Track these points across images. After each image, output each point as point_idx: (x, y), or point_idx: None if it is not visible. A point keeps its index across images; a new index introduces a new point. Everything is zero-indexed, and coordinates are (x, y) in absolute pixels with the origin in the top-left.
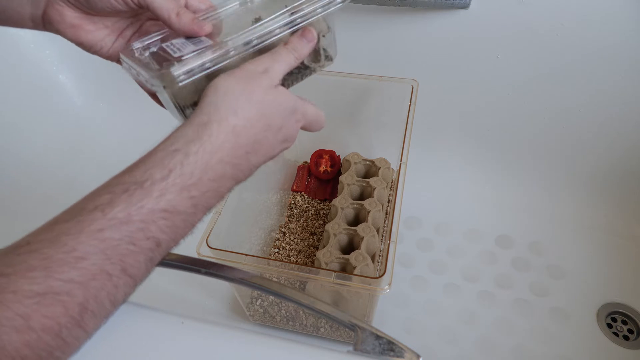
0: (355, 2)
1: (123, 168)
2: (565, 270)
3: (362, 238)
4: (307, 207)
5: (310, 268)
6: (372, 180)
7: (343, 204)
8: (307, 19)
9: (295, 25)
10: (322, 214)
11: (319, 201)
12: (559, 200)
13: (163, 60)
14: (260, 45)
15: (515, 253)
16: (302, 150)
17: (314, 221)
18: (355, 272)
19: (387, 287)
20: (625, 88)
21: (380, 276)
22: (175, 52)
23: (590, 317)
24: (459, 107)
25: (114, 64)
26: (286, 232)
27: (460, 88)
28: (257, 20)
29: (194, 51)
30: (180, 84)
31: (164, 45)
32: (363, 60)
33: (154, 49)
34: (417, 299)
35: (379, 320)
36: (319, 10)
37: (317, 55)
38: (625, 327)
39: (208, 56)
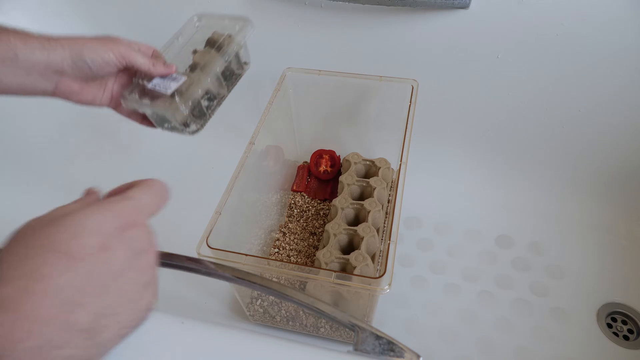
0: (355, 2)
1: (122, 168)
2: (565, 270)
3: (362, 238)
4: (307, 207)
5: (310, 268)
6: (372, 180)
7: (343, 204)
8: (227, 45)
9: (221, 49)
10: (322, 214)
11: (319, 201)
12: (558, 200)
13: (156, 97)
14: (216, 70)
15: (515, 253)
16: (302, 150)
17: (314, 221)
18: (355, 272)
19: (387, 287)
20: (626, 88)
21: (380, 276)
22: (166, 90)
23: (590, 317)
24: (459, 107)
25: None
26: (286, 232)
27: (460, 88)
28: (195, 52)
29: (177, 87)
30: (185, 112)
31: (149, 86)
32: (363, 60)
33: (144, 89)
34: (417, 299)
35: (379, 320)
36: (231, 42)
37: (240, 64)
38: (625, 327)
39: (193, 89)
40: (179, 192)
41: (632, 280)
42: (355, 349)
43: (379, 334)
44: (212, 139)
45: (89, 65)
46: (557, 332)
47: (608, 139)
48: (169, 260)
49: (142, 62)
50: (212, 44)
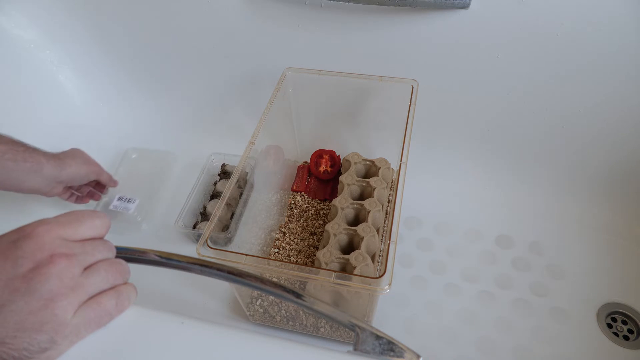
0: (355, 2)
1: (123, 167)
2: (565, 270)
3: (362, 238)
4: (307, 207)
5: (310, 268)
6: (372, 180)
7: (343, 204)
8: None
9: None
10: (322, 214)
11: (319, 201)
12: (559, 200)
13: (117, 214)
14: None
15: (515, 253)
16: (302, 150)
17: (314, 221)
18: (355, 272)
19: (387, 287)
20: (626, 88)
21: (380, 276)
22: (127, 210)
23: (590, 317)
24: (458, 107)
25: (115, 65)
26: (286, 232)
27: (460, 88)
28: (215, 182)
29: (138, 208)
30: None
31: (111, 207)
32: (363, 60)
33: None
34: (417, 299)
35: (379, 320)
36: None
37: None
38: (625, 327)
39: (233, 223)
40: (180, 192)
41: (632, 280)
42: (355, 349)
43: (379, 334)
44: (213, 138)
45: (80, 180)
46: (557, 332)
47: (608, 139)
48: (169, 260)
49: (105, 177)
50: (227, 174)
